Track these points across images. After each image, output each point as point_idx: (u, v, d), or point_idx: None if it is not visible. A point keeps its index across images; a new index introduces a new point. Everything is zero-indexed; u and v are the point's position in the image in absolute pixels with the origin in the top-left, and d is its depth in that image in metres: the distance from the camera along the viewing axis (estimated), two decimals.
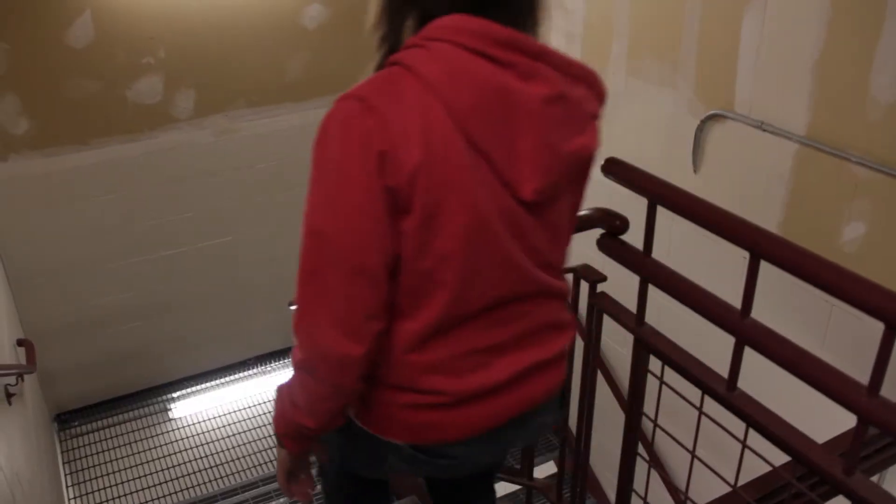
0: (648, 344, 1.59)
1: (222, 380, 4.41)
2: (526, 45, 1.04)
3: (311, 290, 1.06)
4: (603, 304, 1.77)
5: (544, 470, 3.32)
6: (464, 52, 1.01)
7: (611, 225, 1.65)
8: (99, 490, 3.70)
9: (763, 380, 1.48)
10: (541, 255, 1.15)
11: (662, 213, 1.50)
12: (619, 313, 1.71)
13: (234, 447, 3.93)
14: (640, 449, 1.74)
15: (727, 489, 1.53)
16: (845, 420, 1.26)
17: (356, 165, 1.00)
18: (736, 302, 1.36)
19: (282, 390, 1.19)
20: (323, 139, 1.03)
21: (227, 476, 3.76)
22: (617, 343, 3.06)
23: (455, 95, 1.01)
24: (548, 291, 1.19)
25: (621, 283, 1.75)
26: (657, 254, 1.54)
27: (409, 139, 0.99)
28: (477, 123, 1.02)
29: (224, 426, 4.07)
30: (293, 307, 1.11)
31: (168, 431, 4.08)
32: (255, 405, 4.18)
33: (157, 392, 4.29)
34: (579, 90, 1.11)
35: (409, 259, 1.06)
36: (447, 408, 1.16)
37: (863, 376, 1.17)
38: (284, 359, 4.52)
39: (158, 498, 3.65)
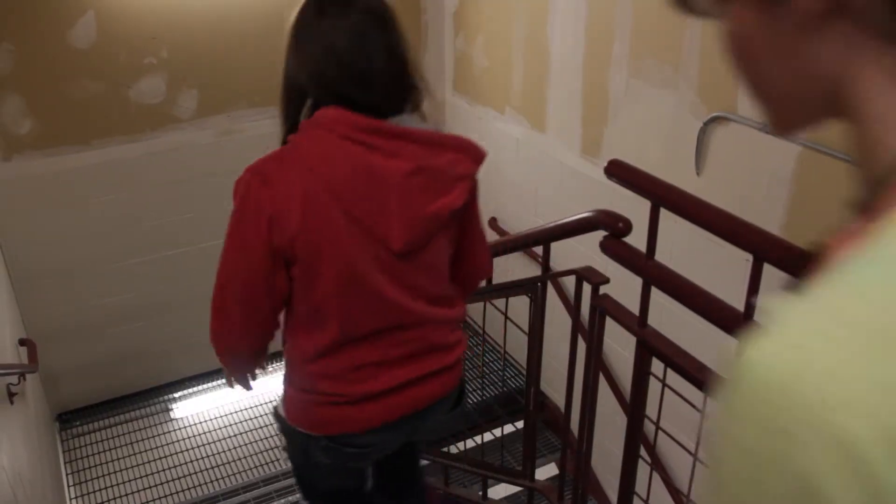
0: (651, 346, 1.59)
1: (224, 380, 4.41)
2: (388, 130, 1.35)
3: (222, 316, 1.50)
4: (605, 306, 1.77)
5: (546, 472, 3.32)
6: (338, 138, 1.33)
7: (613, 227, 1.66)
8: (100, 490, 3.70)
9: None
10: (422, 290, 1.47)
11: (665, 216, 1.50)
12: (621, 315, 1.71)
13: (235, 447, 3.92)
14: (642, 451, 1.74)
15: None
16: None
17: (251, 228, 1.35)
18: (739, 305, 1.36)
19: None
20: (234, 200, 1.38)
21: (228, 476, 3.76)
22: (619, 345, 3.05)
23: (331, 174, 1.32)
24: (431, 320, 1.51)
25: (624, 285, 1.75)
26: (660, 256, 1.54)
27: (292, 208, 1.32)
28: (350, 195, 1.33)
29: (226, 426, 4.07)
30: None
31: (170, 431, 4.08)
32: (256, 405, 4.18)
33: (158, 392, 4.29)
34: (445, 158, 1.40)
35: (301, 295, 1.42)
36: (345, 405, 1.50)
37: None
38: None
39: (160, 498, 3.65)
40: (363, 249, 1.36)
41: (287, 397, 1.61)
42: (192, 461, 3.86)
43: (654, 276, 1.53)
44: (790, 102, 0.51)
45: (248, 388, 1.75)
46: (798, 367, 0.36)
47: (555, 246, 2.09)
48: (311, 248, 1.34)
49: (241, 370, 1.67)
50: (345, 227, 1.34)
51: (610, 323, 1.77)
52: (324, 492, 1.83)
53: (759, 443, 0.37)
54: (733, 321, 1.37)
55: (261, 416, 4.13)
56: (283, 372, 1.65)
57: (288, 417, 1.60)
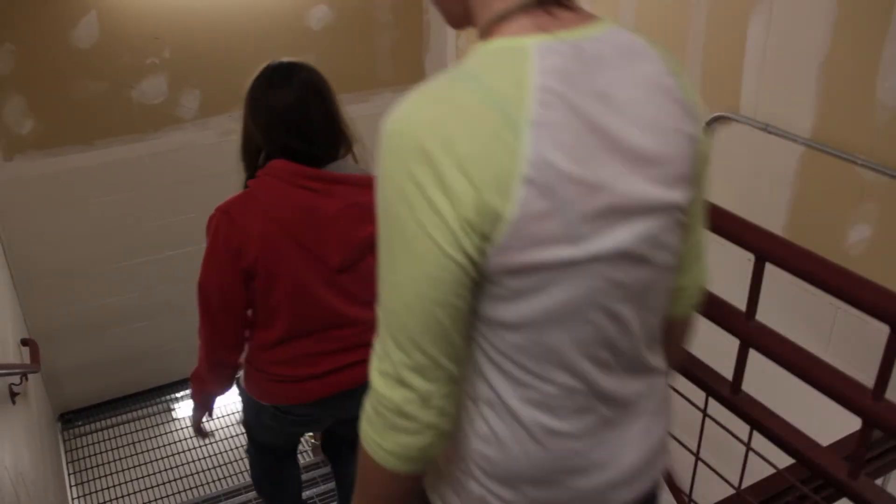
0: None
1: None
2: (325, 176, 1.73)
3: (208, 326, 1.84)
4: None
5: None
6: (285, 184, 1.71)
7: None
8: (102, 490, 3.70)
9: (767, 382, 1.48)
10: (357, 296, 1.83)
11: None
12: None
13: (237, 447, 3.93)
14: None
15: (731, 491, 1.53)
16: (850, 423, 1.26)
17: (222, 256, 1.74)
18: (741, 304, 1.36)
19: (193, 377, 1.99)
20: (207, 234, 1.78)
21: (230, 476, 3.77)
22: None
23: (281, 213, 1.71)
24: (363, 321, 1.85)
25: None
26: None
27: (251, 240, 1.71)
28: (296, 228, 1.72)
29: (227, 426, 4.08)
30: None
31: (172, 431, 4.08)
32: None
33: (160, 392, 4.29)
34: (371, 194, 1.64)
35: (261, 302, 1.80)
36: (291, 383, 1.89)
37: (868, 379, 1.16)
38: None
39: (162, 498, 3.66)
40: (308, 268, 1.75)
41: (246, 372, 1.99)
42: (194, 461, 3.86)
43: None
44: (448, 11, 0.93)
45: (209, 409, 2.11)
46: (403, 118, 0.79)
47: None
48: (268, 268, 1.73)
49: (213, 385, 1.99)
50: (293, 252, 1.72)
51: None
52: (261, 444, 2.24)
53: (394, 166, 0.79)
54: (735, 321, 1.37)
55: None
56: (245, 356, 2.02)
57: (246, 388, 2.00)
